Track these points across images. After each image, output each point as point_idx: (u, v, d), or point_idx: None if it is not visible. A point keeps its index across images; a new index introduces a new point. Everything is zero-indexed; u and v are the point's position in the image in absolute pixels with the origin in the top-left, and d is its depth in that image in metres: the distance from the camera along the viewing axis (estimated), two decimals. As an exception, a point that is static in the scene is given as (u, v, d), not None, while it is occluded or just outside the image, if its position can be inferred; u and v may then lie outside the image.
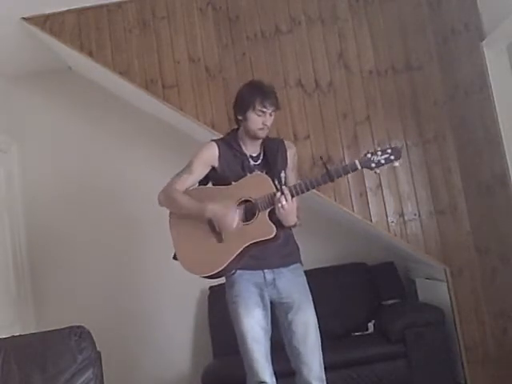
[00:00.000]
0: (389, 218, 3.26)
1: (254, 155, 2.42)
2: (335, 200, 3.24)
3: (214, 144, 2.40)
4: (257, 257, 2.30)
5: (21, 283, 3.90)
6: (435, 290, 3.45)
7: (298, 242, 2.49)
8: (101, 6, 3.35)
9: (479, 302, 3.20)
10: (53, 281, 4.00)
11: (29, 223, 4.06)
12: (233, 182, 2.33)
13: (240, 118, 2.38)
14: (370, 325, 3.70)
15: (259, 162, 2.41)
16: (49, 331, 2.03)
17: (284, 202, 2.17)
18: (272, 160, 2.39)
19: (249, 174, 2.34)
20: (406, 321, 3.30)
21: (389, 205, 3.27)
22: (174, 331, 4.00)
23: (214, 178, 2.41)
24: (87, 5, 3.32)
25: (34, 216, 4.05)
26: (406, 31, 3.35)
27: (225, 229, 2.26)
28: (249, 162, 2.39)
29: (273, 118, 2.36)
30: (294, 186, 2.23)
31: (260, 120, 2.32)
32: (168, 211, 2.44)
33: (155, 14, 3.37)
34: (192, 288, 3.98)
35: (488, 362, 3.17)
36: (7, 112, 4.06)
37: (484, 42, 3.13)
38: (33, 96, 4.14)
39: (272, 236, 2.23)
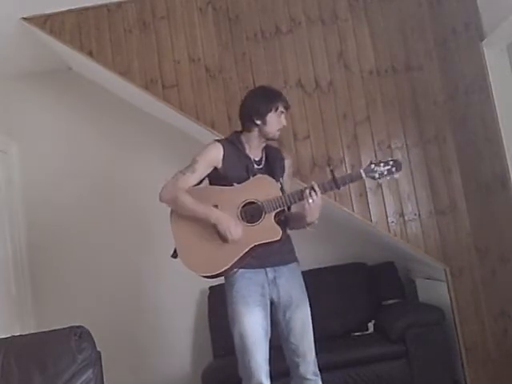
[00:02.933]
0: (389, 218, 3.26)
1: (257, 159, 2.46)
2: (335, 200, 3.23)
3: (219, 145, 2.42)
4: (258, 255, 2.33)
5: (21, 283, 3.90)
6: (435, 290, 3.45)
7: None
8: (101, 6, 3.34)
9: (479, 302, 3.20)
10: (53, 281, 4.00)
11: (29, 223, 4.05)
12: (235, 184, 2.36)
13: (258, 122, 2.40)
14: (370, 325, 3.70)
15: (261, 166, 2.46)
16: (49, 331, 2.03)
17: (315, 197, 2.25)
18: (273, 166, 2.46)
19: (251, 177, 2.37)
20: (406, 321, 3.29)
21: (389, 205, 3.27)
22: (174, 331, 4.00)
23: (215, 177, 2.42)
24: (87, 5, 3.32)
25: (33, 216, 4.05)
26: (405, 31, 3.34)
27: (228, 238, 2.28)
28: (253, 165, 2.43)
29: None
30: (319, 184, 2.30)
31: (279, 121, 2.41)
32: (169, 209, 2.45)
33: (155, 14, 3.37)
34: (192, 288, 3.98)
35: (488, 362, 3.17)
36: (7, 112, 4.06)
37: (484, 41, 3.13)
38: (33, 96, 4.14)
39: (278, 238, 2.30)
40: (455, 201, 3.25)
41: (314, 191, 2.27)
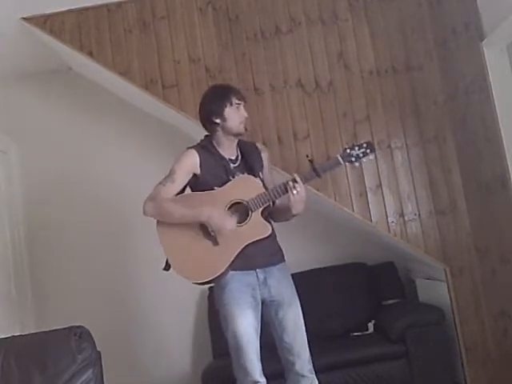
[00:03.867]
0: (389, 218, 3.26)
1: (233, 158, 2.48)
2: (335, 200, 3.24)
3: (194, 151, 2.43)
4: (247, 256, 2.34)
5: (21, 283, 3.90)
6: (435, 290, 3.45)
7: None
8: (101, 6, 3.34)
9: (479, 302, 3.20)
10: (53, 281, 4.00)
11: (28, 223, 4.05)
12: (215, 187, 2.37)
13: (218, 121, 2.42)
14: (370, 325, 3.70)
15: (238, 164, 2.47)
16: (49, 331, 2.03)
17: (299, 189, 2.29)
18: (250, 161, 2.47)
19: (231, 178, 2.39)
20: (406, 321, 3.29)
21: (389, 205, 3.27)
22: (174, 331, 4.00)
23: (195, 184, 2.43)
24: (87, 5, 3.32)
25: (33, 216, 4.05)
26: (405, 31, 3.34)
27: (223, 231, 2.29)
28: (229, 165, 2.44)
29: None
30: (301, 175, 2.34)
31: (239, 113, 2.42)
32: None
33: (155, 14, 3.37)
34: (192, 288, 3.95)
35: (488, 362, 3.17)
36: (7, 112, 4.06)
37: (484, 41, 3.13)
38: (33, 96, 4.14)
39: (268, 234, 2.34)
40: (455, 201, 3.25)
41: (297, 182, 2.30)
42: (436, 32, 3.33)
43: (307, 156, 2.44)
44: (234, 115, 2.42)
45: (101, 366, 1.99)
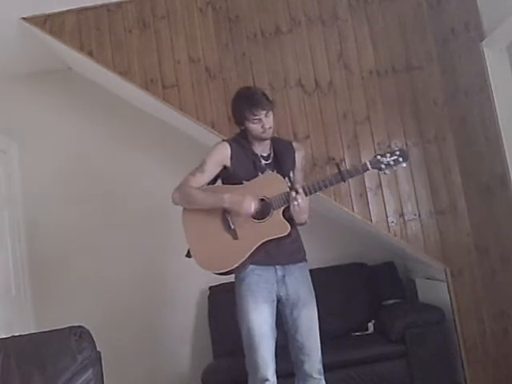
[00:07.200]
0: (389, 218, 3.26)
1: (265, 155, 2.49)
2: (335, 200, 3.24)
3: (227, 144, 2.47)
4: (268, 253, 2.37)
5: (21, 283, 3.90)
6: (435, 289, 3.45)
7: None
8: (101, 6, 3.34)
9: (479, 302, 3.20)
10: (53, 281, 3.99)
11: (29, 223, 4.05)
12: (244, 182, 2.40)
13: (242, 128, 2.47)
14: (370, 325, 3.70)
15: (269, 161, 2.48)
16: (49, 331, 2.03)
17: (300, 200, 2.26)
18: (281, 160, 2.48)
19: (260, 174, 2.42)
20: (406, 321, 3.29)
21: (389, 205, 3.27)
22: (174, 331, 3.99)
23: (225, 176, 2.47)
24: (87, 5, 3.32)
25: (33, 216, 4.05)
26: (405, 31, 3.35)
27: (243, 214, 2.30)
28: (260, 161, 2.46)
29: (271, 117, 2.41)
30: (307, 185, 2.32)
31: (258, 126, 2.40)
32: (175, 211, 2.48)
33: (155, 14, 3.37)
34: (192, 288, 3.98)
35: (488, 362, 3.17)
36: (7, 112, 4.06)
37: (484, 41, 3.13)
38: (33, 96, 4.14)
39: (287, 233, 2.33)
40: (455, 201, 3.25)
41: (298, 194, 2.27)
42: (436, 32, 3.33)
43: (333, 159, 2.43)
44: (255, 127, 2.40)
45: (101, 365, 1.98)
